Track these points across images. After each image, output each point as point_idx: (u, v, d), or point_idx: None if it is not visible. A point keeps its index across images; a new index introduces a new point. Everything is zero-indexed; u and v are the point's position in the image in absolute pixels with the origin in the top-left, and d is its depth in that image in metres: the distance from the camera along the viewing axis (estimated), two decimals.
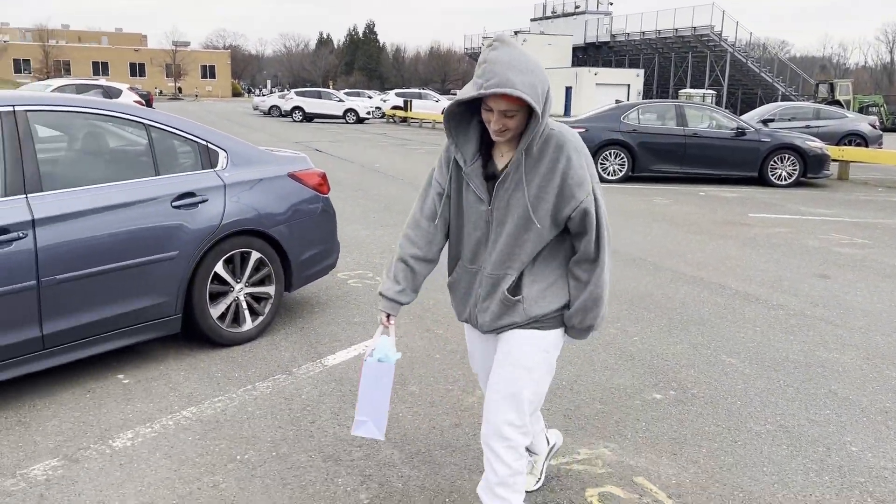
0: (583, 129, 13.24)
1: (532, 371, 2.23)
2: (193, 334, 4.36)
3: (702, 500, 2.86)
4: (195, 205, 4.17)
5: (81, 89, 18.23)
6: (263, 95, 47.57)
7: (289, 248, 4.69)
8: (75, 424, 3.41)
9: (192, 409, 3.60)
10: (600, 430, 3.44)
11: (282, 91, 54.57)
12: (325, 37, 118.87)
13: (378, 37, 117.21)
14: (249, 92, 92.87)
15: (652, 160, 13.26)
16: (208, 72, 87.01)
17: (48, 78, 63.04)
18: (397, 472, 3.03)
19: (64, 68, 75.91)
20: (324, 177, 5.07)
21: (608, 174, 13.32)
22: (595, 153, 13.21)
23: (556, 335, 2.27)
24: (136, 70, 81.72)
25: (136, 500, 2.80)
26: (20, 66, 75.22)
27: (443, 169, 2.27)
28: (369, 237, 7.79)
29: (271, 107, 38.14)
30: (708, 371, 4.22)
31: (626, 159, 13.23)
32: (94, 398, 3.70)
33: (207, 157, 4.39)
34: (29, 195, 3.55)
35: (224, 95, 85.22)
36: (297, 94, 35.57)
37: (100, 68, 78.72)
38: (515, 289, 2.21)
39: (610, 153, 13.24)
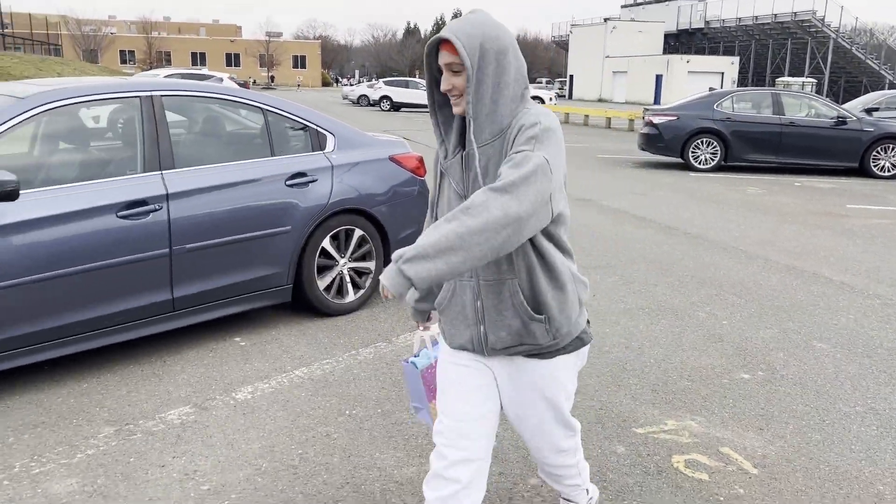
0: (674, 117, 13.08)
1: (568, 391, 2.04)
2: (302, 304, 4.71)
3: (787, 472, 2.96)
4: (306, 184, 4.50)
5: (186, 79, 19.27)
6: (352, 85, 48.68)
7: (388, 227, 4.97)
8: (202, 379, 3.79)
9: (303, 369, 3.93)
10: (687, 405, 3.57)
11: (370, 80, 55.63)
12: (413, 26, 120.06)
13: None
14: (337, 81, 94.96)
15: (746, 149, 12.97)
16: (299, 62, 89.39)
17: (151, 68, 66.29)
18: None
19: (165, 59, 79.54)
20: (421, 160, 5.32)
21: (699, 163, 13.12)
22: (686, 141, 13.04)
23: (576, 357, 2.02)
24: (232, 60, 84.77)
25: (259, 443, 3.13)
26: (125, 56, 79.26)
27: (434, 174, 2.05)
28: None
29: (360, 96, 38.97)
30: (798, 355, 4.25)
31: (718, 148, 12.99)
32: (216, 357, 4.08)
33: (317, 140, 4.72)
34: (163, 171, 3.95)
35: (314, 85, 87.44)
36: (386, 83, 36.21)
37: (198, 59, 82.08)
38: (534, 304, 1.89)
39: (702, 141, 13.04)
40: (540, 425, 2.06)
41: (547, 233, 1.86)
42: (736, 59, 51.84)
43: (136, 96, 3.98)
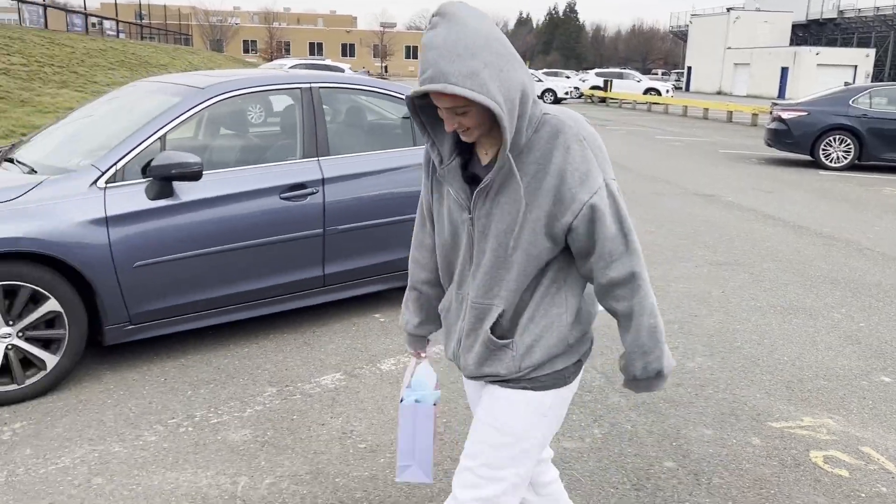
0: (804, 113, 12.55)
1: (522, 440, 1.73)
2: None
3: None
4: None
5: (310, 69, 20.08)
6: None
7: None
8: (348, 349, 4.10)
9: (439, 346, 4.16)
10: (824, 403, 3.55)
11: None
12: (525, 17, 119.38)
13: (578, 16, 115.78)
14: None
15: (883, 148, 12.28)
16: (412, 52, 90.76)
17: (273, 58, 69.04)
18: (625, 416, 3.38)
19: (284, 49, 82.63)
20: None
21: (831, 161, 12.54)
22: (817, 138, 12.49)
23: (555, 396, 1.75)
24: (347, 50, 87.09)
25: None
26: (248, 46, 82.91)
27: (424, 174, 1.83)
28: None
29: None
30: None
31: (852, 146, 12.36)
32: (358, 331, 4.39)
33: None
34: (320, 158, 4.27)
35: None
36: None
37: (315, 48, 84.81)
38: (507, 330, 1.71)
39: (834, 139, 12.45)
40: (493, 435, 1.73)
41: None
42: (871, 52, 48.63)
43: (297, 87, 4.31)
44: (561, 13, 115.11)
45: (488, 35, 1.48)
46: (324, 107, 4.43)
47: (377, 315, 4.66)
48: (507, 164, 1.56)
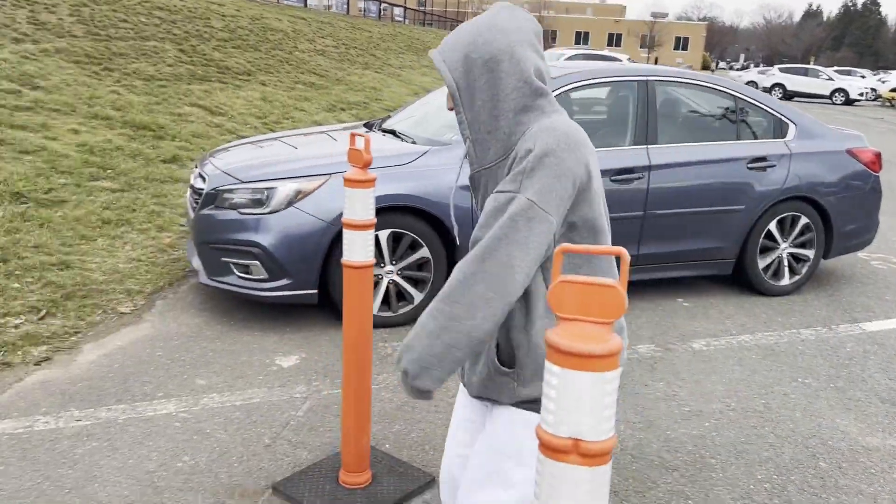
0: None
1: (521, 454, 1.61)
2: (738, 278, 5.08)
3: None
4: (764, 169, 4.83)
5: (589, 59, 20.41)
6: (738, 70, 46.33)
7: (834, 218, 5.07)
8: (657, 326, 4.42)
9: (747, 336, 4.33)
10: None
11: (757, 66, 52.24)
12: (815, 8, 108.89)
13: (881, 8, 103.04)
14: (716, 65, 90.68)
15: None
16: (681, 44, 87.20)
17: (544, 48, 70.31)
18: None
19: (551, 37, 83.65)
20: (878, 156, 5.27)
21: None
22: None
23: None
24: (613, 40, 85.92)
25: (722, 386, 3.64)
26: None
27: None
28: (883, 224, 7.58)
29: (748, 82, 37.01)
30: None
31: None
32: (664, 312, 4.68)
33: (779, 128, 5.00)
34: (648, 146, 4.61)
35: (694, 68, 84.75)
36: (781, 70, 33.89)
37: (581, 38, 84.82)
38: (509, 356, 1.58)
39: None
40: (473, 463, 1.68)
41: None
42: None
43: (634, 80, 4.68)
44: (859, 5, 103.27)
45: (494, 33, 1.51)
46: (656, 98, 4.74)
47: (680, 300, 4.92)
48: (470, 145, 1.58)
